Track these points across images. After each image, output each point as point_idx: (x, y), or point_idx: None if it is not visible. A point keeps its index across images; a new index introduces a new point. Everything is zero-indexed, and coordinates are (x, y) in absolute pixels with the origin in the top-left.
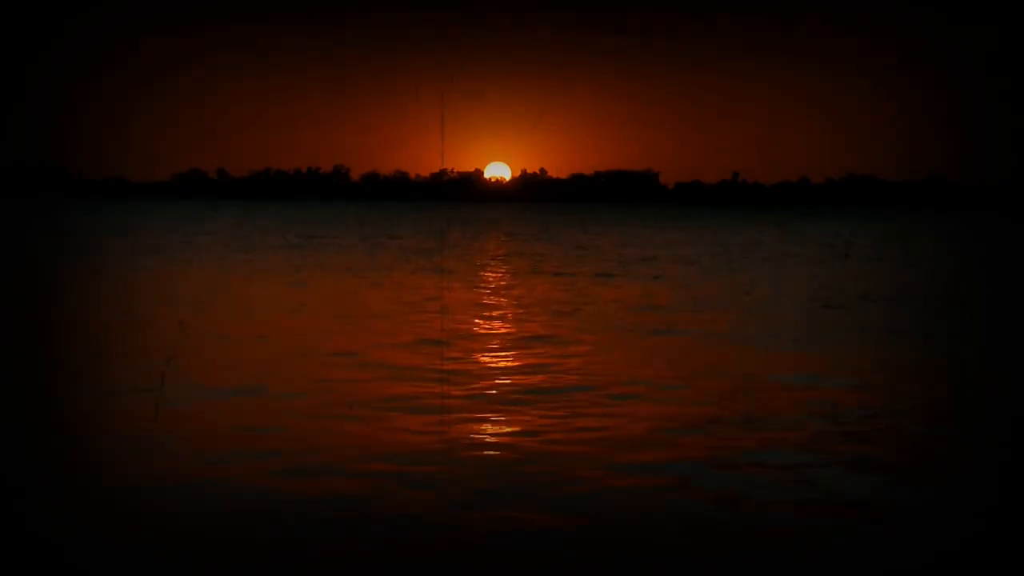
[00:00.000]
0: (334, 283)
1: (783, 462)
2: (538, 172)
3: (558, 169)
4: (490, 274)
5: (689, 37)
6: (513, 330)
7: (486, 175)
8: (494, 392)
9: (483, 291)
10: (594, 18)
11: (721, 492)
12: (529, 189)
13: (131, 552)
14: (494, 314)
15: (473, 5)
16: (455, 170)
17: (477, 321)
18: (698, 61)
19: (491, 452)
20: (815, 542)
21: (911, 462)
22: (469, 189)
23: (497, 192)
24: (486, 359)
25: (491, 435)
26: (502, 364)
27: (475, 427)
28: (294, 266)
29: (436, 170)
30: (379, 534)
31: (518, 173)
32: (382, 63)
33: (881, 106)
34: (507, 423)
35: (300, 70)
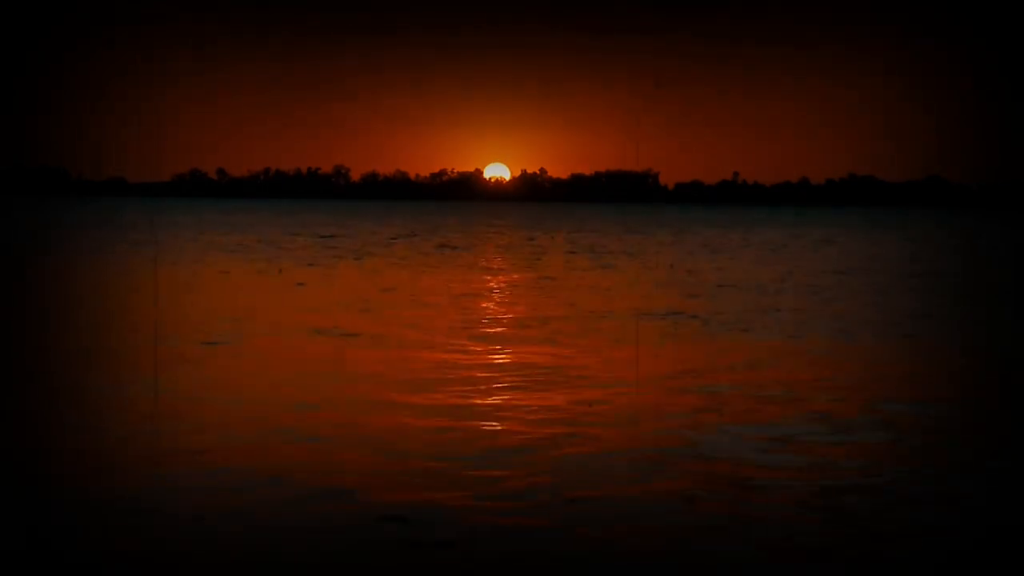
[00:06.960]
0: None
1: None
2: (538, 172)
3: (558, 169)
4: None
5: (690, 36)
6: None
7: (486, 175)
8: None
9: None
10: (595, 17)
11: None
12: (529, 189)
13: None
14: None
15: (474, 5)
16: (455, 170)
17: None
18: (699, 61)
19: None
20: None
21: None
22: (469, 189)
23: (497, 192)
24: None
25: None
26: None
27: None
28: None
29: (436, 170)
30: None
31: (518, 173)
32: (383, 63)
33: (881, 106)
34: None
35: (300, 70)
